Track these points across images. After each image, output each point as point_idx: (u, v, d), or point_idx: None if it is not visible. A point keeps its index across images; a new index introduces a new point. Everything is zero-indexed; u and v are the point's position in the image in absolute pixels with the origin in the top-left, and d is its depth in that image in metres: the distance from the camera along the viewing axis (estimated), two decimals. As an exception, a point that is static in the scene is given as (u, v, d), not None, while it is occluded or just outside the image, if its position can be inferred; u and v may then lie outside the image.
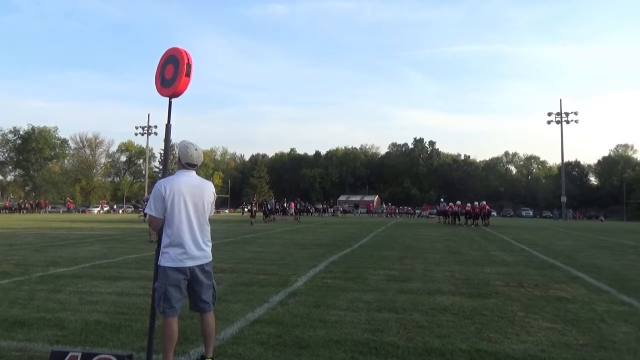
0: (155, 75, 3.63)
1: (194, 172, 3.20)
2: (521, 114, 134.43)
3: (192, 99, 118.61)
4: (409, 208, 58.76)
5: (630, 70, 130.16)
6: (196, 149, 3.15)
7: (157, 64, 3.65)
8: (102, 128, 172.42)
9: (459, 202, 29.51)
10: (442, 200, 34.12)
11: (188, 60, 3.46)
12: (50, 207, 61.33)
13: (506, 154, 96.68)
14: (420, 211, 54.32)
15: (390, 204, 59.04)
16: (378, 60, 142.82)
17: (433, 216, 50.31)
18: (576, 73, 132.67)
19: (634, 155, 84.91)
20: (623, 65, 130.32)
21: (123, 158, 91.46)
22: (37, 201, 59.93)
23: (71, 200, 65.17)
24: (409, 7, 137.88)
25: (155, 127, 61.15)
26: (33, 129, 65.20)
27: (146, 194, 45.71)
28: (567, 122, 54.84)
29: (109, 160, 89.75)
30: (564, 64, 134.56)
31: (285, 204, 35.06)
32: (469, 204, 29.32)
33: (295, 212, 35.27)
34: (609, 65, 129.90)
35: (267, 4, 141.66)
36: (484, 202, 28.28)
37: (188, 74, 3.46)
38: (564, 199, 53.83)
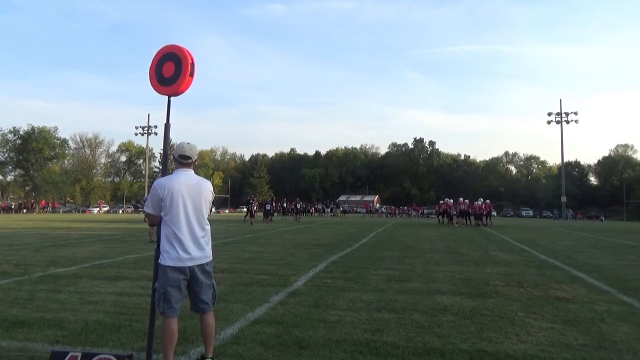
0: (150, 72, 3.52)
1: (192, 171, 3.20)
2: (521, 114, 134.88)
3: (191, 98, 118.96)
4: (408, 208, 58.92)
5: (630, 70, 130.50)
6: (188, 143, 3.18)
7: (152, 60, 3.54)
8: (102, 128, 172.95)
9: (461, 200, 28.76)
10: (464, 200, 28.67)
11: (192, 59, 3.41)
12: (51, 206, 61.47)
13: (506, 154, 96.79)
14: (414, 211, 54.36)
15: (393, 207, 59.32)
16: (378, 60, 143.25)
17: (433, 216, 50.38)
18: (576, 73, 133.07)
19: (634, 155, 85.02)
20: (623, 65, 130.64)
21: (123, 158, 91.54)
22: (32, 202, 60.07)
23: (62, 200, 65.01)
24: (408, 7, 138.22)
25: (155, 127, 61.24)
26: (33, 129, 65.06)
27: (146, 194, 45.69)
28: (567, 122, 54.85)
29: (109, 160, 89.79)
30: (564, 64, 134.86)
31: (270, 205, 34.65)
32: (462, 200, 28.46)
33: (284, 211, 35.48)
34: (609, 65, 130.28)
35: (266, 4, 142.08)
36: (488, 201, 27.67)
37: (192, 74, 3.41)
38: (564, 199, 53.83)
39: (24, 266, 7.77)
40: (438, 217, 30.85)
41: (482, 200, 27.48)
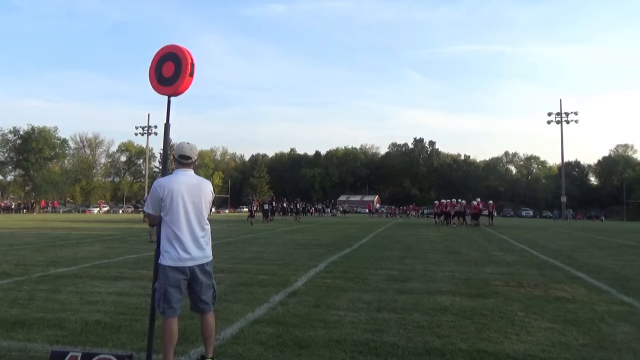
0: (150, 72, 3.52)
1: (192, 171, 3.20)
2: (521, 114, 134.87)
3: (191, 98, 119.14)
4: (407, 208, 58.95)
5: (630, 70, 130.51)
6: (188, 143, 3.18)
7: (152, 60, 3.54)
8: (102, 128, 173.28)
9: (463, 201, 28.78)
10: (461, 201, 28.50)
11: (192, 59, 3.41)
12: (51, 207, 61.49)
13: (506, 154, 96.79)
14: (413, 212, 54.33)
15: (393, 207, 59.38)
16: (378, 60, 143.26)
17: (431, 216, 50.31)
18: (576, 73, 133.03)
19: (634, 155, 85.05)
20: (623, 65, 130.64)
21: (123, 158, 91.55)
22: (32, 202, 59.97)
23: (62, 200, 64.98)
24: (408, 7, 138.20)
25: (155, 127, 61.33)
26: (33, 129, 65.00)
27: (146, 194, 45.74)
28: (567, 122, 54.91)
29: (109, 160, 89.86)
30: (564, 64, 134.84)
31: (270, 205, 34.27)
32: (458, 201, 28.53)
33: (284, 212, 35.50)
34: (609, 65, 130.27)
35: (266, 4, 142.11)
36: (491, 201, 27.98)
37: (192, 74, 3.41)
38: (564, 199, 53.84)
39: (24, 266, 7.77)
40: (435, 217, 31.15)
41: (479, 200, 27.72)
